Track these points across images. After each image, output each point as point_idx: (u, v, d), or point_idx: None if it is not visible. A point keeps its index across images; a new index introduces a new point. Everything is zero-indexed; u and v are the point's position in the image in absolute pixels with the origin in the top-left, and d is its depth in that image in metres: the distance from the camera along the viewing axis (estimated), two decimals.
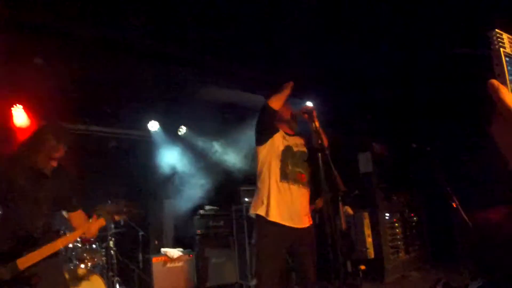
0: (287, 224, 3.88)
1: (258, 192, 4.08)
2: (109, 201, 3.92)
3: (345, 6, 5.88)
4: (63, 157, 3.70)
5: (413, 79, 7.70)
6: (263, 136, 4.12)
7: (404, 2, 5.78)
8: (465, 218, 5.48)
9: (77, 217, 3.86)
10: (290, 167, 4.01)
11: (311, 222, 4.13)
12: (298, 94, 8.07)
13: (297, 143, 4.22)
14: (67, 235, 3.71)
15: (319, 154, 3.73)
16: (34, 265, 3.39)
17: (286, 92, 4.08)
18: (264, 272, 3.82)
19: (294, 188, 3.99)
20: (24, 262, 3.35)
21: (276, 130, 4.14)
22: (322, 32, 6.43)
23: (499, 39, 1.07)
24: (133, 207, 3.94)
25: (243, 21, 6.05)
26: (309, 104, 7.23)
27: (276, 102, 4.02)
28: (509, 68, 1.06)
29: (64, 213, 4.05)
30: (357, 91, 8.37)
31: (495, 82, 1.02)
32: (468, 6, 5.46)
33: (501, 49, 1.06)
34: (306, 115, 4.03)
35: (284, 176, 3.98)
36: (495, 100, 1.01)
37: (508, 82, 1.04)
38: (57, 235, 3.71)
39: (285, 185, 3.96)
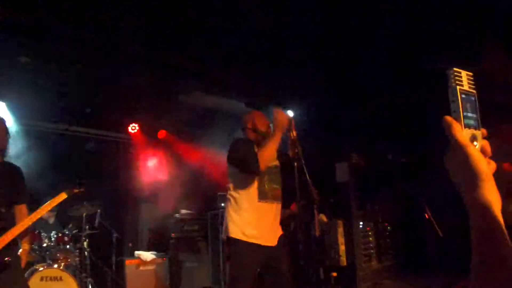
0: (262, 243, 3.83)
1: (231, 212, 3.94)
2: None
3: (330, 16, 5.95)
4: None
5: (393, 90, 7.81)
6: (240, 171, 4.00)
7: (386, 14, 5.88)
8: (436, 228, 5.60)
9: (21, 211, 3.91)
10: (267, 185, 3.94)
11: (281, 232, 4.08)
12: (278, 103, 8.16)
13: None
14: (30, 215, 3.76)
15: (295, 164, 3.76)
16: (2, 250, 3.45)
17: (279, 137, 3.87)
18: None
19: (273, 206, 3.96)
20: None
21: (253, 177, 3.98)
22: (304, 43, 6.51)
23: (456, 77, 1.13)
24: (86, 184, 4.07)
25: (226, 27, 6.10)
26: (289, 113, 7.25)
27: (266, 161, 3.82)
28: (467, 104, 1.12)
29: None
30: (337, 101, 8.46)
31: (448, 118, 1.09)
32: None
33: (458, 87, 1.12)
34: None
35: (263, 195, 3.90)
36: (448, 136, 1.08)
37: (462, 118, 1.09)
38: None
39: (264, 204, 3.89)
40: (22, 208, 3.91)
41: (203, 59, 6.82)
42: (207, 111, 8.53)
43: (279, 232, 4.00)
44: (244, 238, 3.80)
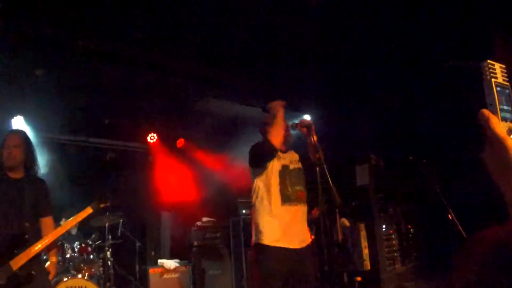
0: (289, 246, 3.80)
1: (256, 218, 3.95)
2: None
3: (342, 18, 5.95)
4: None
5: (411, 91, 7.76)
6: (260, 167, 4.04)
7: (403, 14, 5.85)
8: (460, 230, 5.51)
9: (47, 223, 3.98)
10: (290, 188, 3.93)
11: (312, 237, 4.06)
12: (295, 107, 8.14)
13: (292, 160, 4.16)
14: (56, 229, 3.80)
15: (317, 168, 3.74)
16: (27, 264, 3.48)
17: (280, 118, 3.99)
18: None
19: (298, 208, 3.94)
20: (17, 262, 3.43)
21: (273, 157, 4.03)
22: (319, 45, 6.50)
23: (490, 70, 1.11)
24: (116, 197, 4.10)
25: (243, 34, 6.11)
26: (307, 117, 7.21)
27: (276, 138, 3.91)
28: (502, 97, 1.10)
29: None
30: (355, 103, 8.42)
31: (485, 111, 1.06)
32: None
33: (493, 80, 1.10)
34: (304, 129, 4.00)
35: (286, 199, 3.89)
36: (486, 129, 1.04)
37: (498, 111, 1.07)
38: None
39: (288, 207, 3.89)
40: (48, 221, 3.97)
41: (219, 66, 6.83)
42: (225, 118, 8.54)
43: (307, 234, 3.96)
44: (271, 243, 3.79)
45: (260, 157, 3.99)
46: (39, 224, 3.87)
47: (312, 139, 3.89)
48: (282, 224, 3.83)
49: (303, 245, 3.89)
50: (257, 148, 4.04)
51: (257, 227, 3.92)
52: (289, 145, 4.31)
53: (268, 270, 3.75)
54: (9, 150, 3.84)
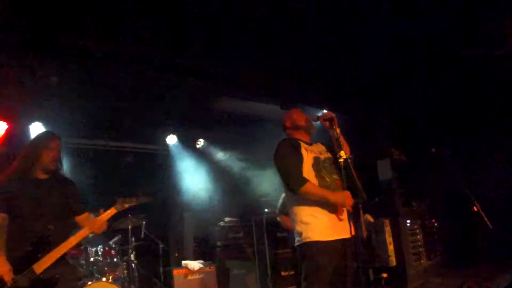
0: (337, 237, 3.72)
1: (300, 216, 3.85)
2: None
3: (361, 13, 5.88)
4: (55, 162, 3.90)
5: (431, 83, 7.66)
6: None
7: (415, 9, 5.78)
8: (486, 221, 5.41)
9: (84, 220, 3.96)
10: (327, 179, 3.85)
11: (353, 232, 3.94)
12: (315, 102, 8.08)
13: (320, 151, 4.07)
14: (77, 233, 3.74)
15: (342, 163, 3.66)
16: (50, 268, 3.47)
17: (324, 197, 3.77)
18: None
19: None
20: (40, 265, 3.43)
21: (300, 154, 3.92)
22: (339, 39, 6.44)
23: None
24: (142, 195, 4.03)
25: (259, 32, 6.07)
26: (329, 111, 7.13)
27: (309, 195, 3.77)
28: None
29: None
30: (375, 97, 8.34)
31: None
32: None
33: None
34: (327, 123, 3.90)
35: (327, 188, 3.79)
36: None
37: None
38: (68, 235, 3.78)
39: None
40: (84, 217, 3.97)
41: (235, 64, 6.80)
42: (244, 117, 8.50)
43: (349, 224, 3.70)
44: (319, 238, 3.70)
45: (284, 182, 3.89)
46: (64, 226, 3.83)
47: (335, 133, 3.81)
48: (326, 215, 3.77)
49: (348, 234, 3.69)
50: (286, 168, 3.89)
51: (301, 224, 3.83)
52: (311, 137, 4.23)
53: (318, 267, 3.68)
54: (53, 153, 3.83)
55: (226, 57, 6.58)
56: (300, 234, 3.80)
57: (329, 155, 4.05)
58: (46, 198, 3.74)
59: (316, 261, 3.68)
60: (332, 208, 3.77)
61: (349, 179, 3.75)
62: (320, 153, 4.03)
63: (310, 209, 3.79)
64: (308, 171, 3.86)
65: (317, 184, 3.78)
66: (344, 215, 3.78)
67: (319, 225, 3.74)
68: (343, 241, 3.73)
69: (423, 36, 6.37)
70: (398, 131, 8.80)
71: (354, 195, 3.79)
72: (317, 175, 3.85)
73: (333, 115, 3.90)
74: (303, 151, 3.93)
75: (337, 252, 3.71)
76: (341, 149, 3.67)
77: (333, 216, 3.78)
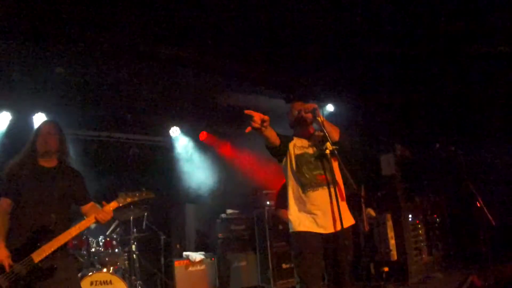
0: (319, 231, 3.75)
1: (289, 207, 3.96)
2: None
3: (364, 8, 5.85)
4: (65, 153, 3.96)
5: (436, 78, 7.62)
6: (277, 157, 4.05)
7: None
8: (489, 217, 5.40)
9: (89, 208, 3.95)
10: (307, 175, 3.86)
11: (352, 222, 3.93)
12: (319, 97, 8.05)
13: (312, 143, 4.03)
14: (79, 223, 3.73)
15: (328, 155, 3.70)
16: (49, 257, 3.47)
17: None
18: (306, 277, 3.73)
19: (323, 192, 3.80)
20: (39, 254, 3.43)
21: (286, 148, 4.00)
22: (341, 34, 6.41)
23: None
24: (145, 191, 4.01)
25: (263, 26, 6.05)
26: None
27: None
28: None
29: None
30: (379, 92, 8.31)
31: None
32: None
33: None
34: (309, 115, 3.90)
35: (306, 186, 3.84)
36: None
37: None
38: (69, 224, 3.78)
39: (311, 194, 3.82)
40: (89, 206, 3.97)
41: (239, 58, 6.78)
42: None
43: (338, 218, 3.62)
44: (300, 228, 3.79)
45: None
46: (67, 215, 3.83)
47: (320, 124, 3.76)
48: (307, 211, 3.89)
49: (338, 228, 3.72)
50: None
51: (289, 215, 3.97)
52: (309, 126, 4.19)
53: (302, 255, 3.80)
54: (44, 137, 3.84)
55: (230, 50, 6.56)
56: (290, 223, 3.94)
57: (311, 150, 4.01)
58: (50, 187, 3.74)
59: (299, 250, 3.80)
60: (319, 203, 3.81)
61: (341, 171, 3.86)
62: (308, 147, 4.01)
63: (293, 204, 3.92)
64: (291, 166, 3.95)
65: (297, 179, 3.90)
66: (335, 209, 3.71)
67: (299, 217, 3.85)
68: (328, 235, 3.76)
69: (429, 32, 6.34)
70: (402, 126, 8.77)
71: (344, 185, 3.88)
72: (297, 171, 3.91)
73: (315, 106, 3.87)
74: (291, 147, 4.00)
75: (321, 245, 3.76)
76: (327, 140, 3.65)
77: (319, 211, 3.80)
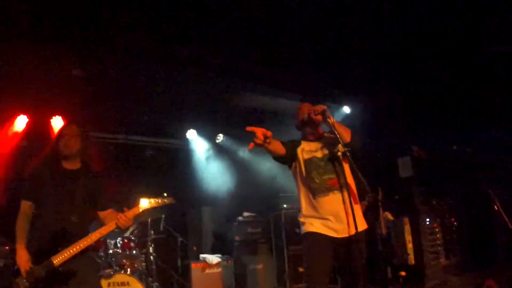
0: (331, 235, 3.71)
1: (301, 209, 3.96)
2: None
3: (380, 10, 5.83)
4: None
5: (452, 80, 7.57)
6: (286, 164, 4.05)
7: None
8: (507, 220, 5.33)
9: (107, 215, 3.89)
10: (317, 180, 3.81)
11: (364, 227, 3.84)
12: (335, 99, 8.03)
13: (321, 146, 3.97)
14: (100, 228, 3.71)
15: (340, 157, 3.68)
16: (69, 260, 3.47)
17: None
18: (311, 273, 3.73)
19: (334, 196, 3.75)
20: (59, 258, 3.43)
21: (295, 154, 3.97)
22: (356, 36, 6.39)
23: None
24: (166, 198, 4.01)
25: (277, 28, 6.05)
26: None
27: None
28: None
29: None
30: (395, 94, 8.27)
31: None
32: None
33: None
34: (319, 117, 3.78)
35: (316, 191, 3.80)
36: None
37: None
38: (89, 227, 3.80)
39: (321, 199, 3.77)
40: (107, 214, 3.91)
41: (256, 60, 6.79)
42: (264, 112, 8.48)
43: (352, 222, 3.60)
44: (311, 229, 3.77)
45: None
46: (87, 219, 3.83)
47: (330, 125, 3.69)
48: (318, 215, 3.88)
49: (351, 232, 3.68)
50: None
51: (300, 218, 3.99)
52: (319, 129, 4.14)
53: (311, 255, 3.83)
54: (66, 139, 3.80)
55: (246, 52, 6.57)
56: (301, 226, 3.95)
57: (321, 154, 3.95)
58: (72, 189, 3.73)
59: (309, 251, 3.82)
60: (330, 207, 3.77)
61: (354, 172, 3.81)
62: (317, 150, 3.96)
63: (304, 209, 3.92)
64: (300, 171, 3.92)
65: (307, 184, 3.87)
66: (349, 212, 3.66)
67: (314, 223, 3.81)
68: (340, 239, 3.72)
69: (440, 32, 6.30)
70: (420, 128, 8.70)
71: (357, 188, 3.84)
72: (307, 176, 3.86)
73: (324, 107, 3.77)
74: (299, 153, 3.96)
75: (332, 248, 3.72)
76: (338, 142, 3.62)
77: (331, 215, 3.75)
